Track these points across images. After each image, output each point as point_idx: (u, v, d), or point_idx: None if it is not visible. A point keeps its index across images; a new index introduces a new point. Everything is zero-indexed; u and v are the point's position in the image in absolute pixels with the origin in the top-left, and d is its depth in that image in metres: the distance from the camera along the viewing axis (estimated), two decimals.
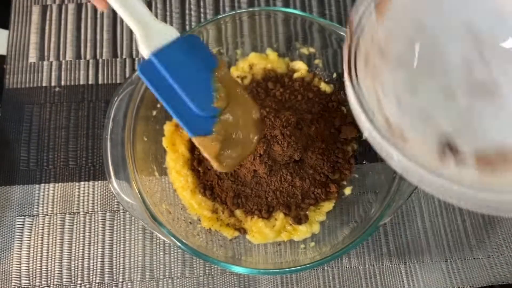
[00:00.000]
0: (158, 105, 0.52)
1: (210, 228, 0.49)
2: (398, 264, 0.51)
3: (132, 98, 0.47)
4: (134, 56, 0.58)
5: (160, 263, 0.51)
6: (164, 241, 0.52)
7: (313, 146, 0.49)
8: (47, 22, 0.60)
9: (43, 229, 0.52)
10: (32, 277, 0.50)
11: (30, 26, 0.59)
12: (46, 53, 0.58)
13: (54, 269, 0.50)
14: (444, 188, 0.18)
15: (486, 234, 0.52)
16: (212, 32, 0.52)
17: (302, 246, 0.49)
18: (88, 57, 0.58)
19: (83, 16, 0.60)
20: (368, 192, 0.51)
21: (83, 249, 0.51)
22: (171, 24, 0.60)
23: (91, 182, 0.54)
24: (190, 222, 0.49)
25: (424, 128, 0.19)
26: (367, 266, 0.51)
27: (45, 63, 0.58)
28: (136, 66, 0.57)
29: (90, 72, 0.58)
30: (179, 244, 0.43)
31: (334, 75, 0.55)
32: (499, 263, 0.51)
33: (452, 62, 0.21)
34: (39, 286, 0.50)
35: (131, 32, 0.59)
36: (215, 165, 0.41)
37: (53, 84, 0.57)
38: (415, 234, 0.52)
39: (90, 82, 0.57)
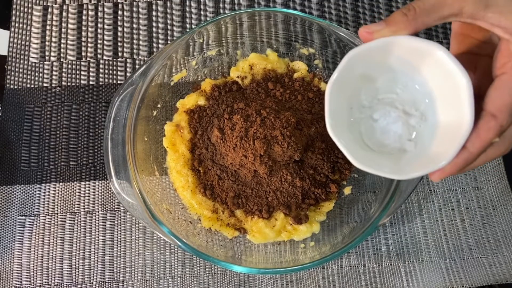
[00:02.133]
0: (159, 105, 0.53)
1: (210, 228, 0.49)
2: (398, 264, 0.52)
3: (132, 98, 0.47)
4: (134, 56, 0.59)
5: (161, 262, 0.51)
6: (164, 240, 0.52)
7: (313, 146, 0.50)
8: (48, 22, 0.60)
9: (44, 229, 0.52)
10: (33, 277, 0.50)
11: (31, 26, 0.59)
12: (47, 54, 0.58)
13: (55, 269, 0.51)
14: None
15: (485, 234, 0.53)
16: (213, 32, 0.53)
17: (302, 245, 0.50)
18: (89, 57, 0.58)
19: (84, 16, 0.60)
20: (368, 192, 0.51)
21: (84, 249, 0.51)
22: (172, 25, 0.60)
23: (92, 182, 0.54)
24: (191, 222, 0.50)
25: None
26: (366, 265, 0.51)
27: (46, 63, 0.58)
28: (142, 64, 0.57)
29: (91, 72, 0.58)
30: (179, 243, 0.43)
31: None
32: (498, 262, 0.52)
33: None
34: (40, 286, 0.50)
35: (131, 33, 0.60)
36: None
37: (54, 84, 0.57)
38: (414, 234, 0.53)
39: (91, 83, 0.57)
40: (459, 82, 0.30)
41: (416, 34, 0.61)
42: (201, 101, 0.53)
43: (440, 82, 0.32)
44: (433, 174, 0.32)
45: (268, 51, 0.56)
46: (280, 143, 0.46)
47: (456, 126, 0.31)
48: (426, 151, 0.33)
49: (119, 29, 0.60)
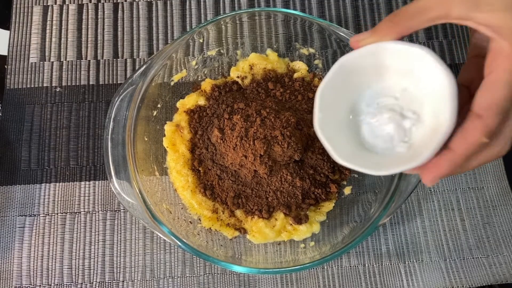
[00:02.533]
0: (159, 105, 0.53)
1: (210, 228, 0.49)
2: (398, 264, 0.52)
3: (132, 98, 0.47)
4: (134, 56, 0.59)
5: (161, 262, 0.51)
6: (164, 240, 0.52)
7: (313, 146, 0.50)
8: (48, 22, 0.60)
9: (44, 229, 0.52)
10: (33, 277, 0.50)
11: (31, 26, 0.59)
12: (47, 54, 0.59)
13: (55, 269, 0.51)
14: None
15: (485, 234, 0.53)
16: (213, 32, 0.53)
17: (302, 245, 0.50)
18: (89, 57, 0.58)
19: (84, 16, 0.60)
20: (368, 192, 0.51)
21: (84, 249, 0.51)
22: (172, 25, 0.60)
23: (92, 182, 0.54)
24: (191, 222, 0.50)
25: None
26: (366, 265, 0.52)
27: (46, 63, 0.58)
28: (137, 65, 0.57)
29: (91, 72, 0.58)
30: (179, 243, 0.43)
31: None
32: (498, 262, 0.52)
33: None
34: (40, 286, 0.50)
35: (131, 33, 0.60)
36: None
37: (54, 84, 0.57)
38: (414, 234, 0.53)
39: (91, 83, 0.58)
40: (443, 81, 0.31)
41: (416, 35, 0.61)
42: (201, 101, 0.53)
43: (429, 83, 0.33)
44: (424, 176, 0.32)
45: (268, 51, 0.56)
46: (280, 143, 0.46)
47: (441, 125, 0.31)
48: (414, 150, 0.34)
49: (119, 29, 0.60)
